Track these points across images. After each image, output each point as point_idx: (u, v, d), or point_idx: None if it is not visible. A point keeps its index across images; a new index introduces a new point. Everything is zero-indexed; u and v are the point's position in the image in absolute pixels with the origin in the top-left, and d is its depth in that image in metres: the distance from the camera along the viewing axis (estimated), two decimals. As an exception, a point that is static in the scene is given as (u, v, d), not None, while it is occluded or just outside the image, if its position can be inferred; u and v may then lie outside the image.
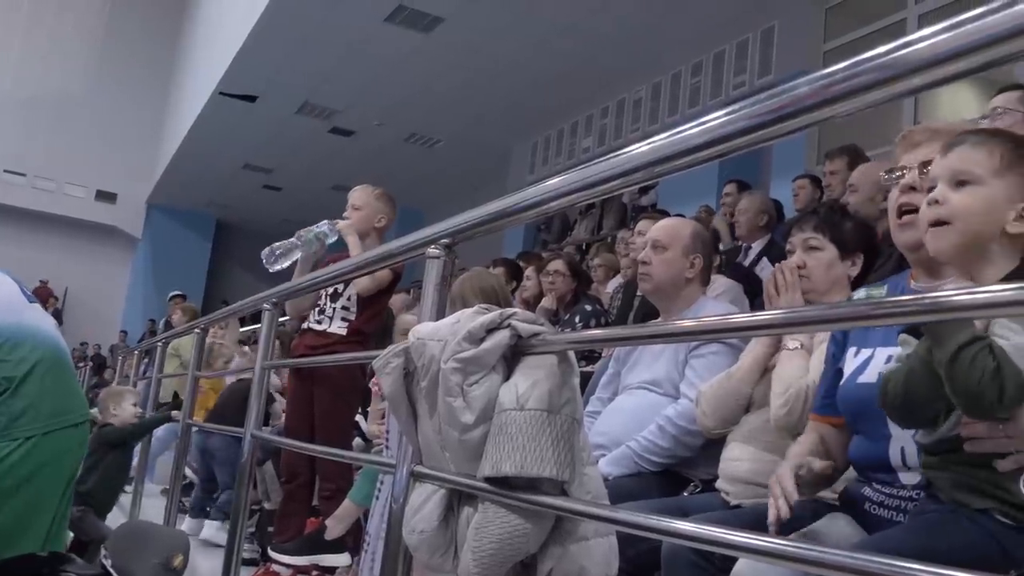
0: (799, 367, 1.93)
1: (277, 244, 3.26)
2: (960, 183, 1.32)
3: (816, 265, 2.09)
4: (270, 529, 3.73)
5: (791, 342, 2.00)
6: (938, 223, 1.32)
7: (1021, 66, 6.40)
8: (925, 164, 1.52)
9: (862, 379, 1.56)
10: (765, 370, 2.13)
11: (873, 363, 1.56)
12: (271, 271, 3.26)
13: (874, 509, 1.51)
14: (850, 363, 1.63)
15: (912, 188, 1.54)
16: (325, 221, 3.36)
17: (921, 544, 1.22)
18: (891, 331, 1.55)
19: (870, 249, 2.16)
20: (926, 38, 0.73)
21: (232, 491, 4.65)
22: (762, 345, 2.16)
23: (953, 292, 0.77)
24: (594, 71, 9.28)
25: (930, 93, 7.12)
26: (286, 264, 3.26)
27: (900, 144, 1.65)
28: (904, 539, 1.28)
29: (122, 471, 4.13)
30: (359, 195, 3.40)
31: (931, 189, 1.37)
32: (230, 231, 18.09)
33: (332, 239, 3.34)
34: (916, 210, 1.50)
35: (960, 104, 7.37)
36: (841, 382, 1.63)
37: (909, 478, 1.47)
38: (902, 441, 1.47)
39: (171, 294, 10.14)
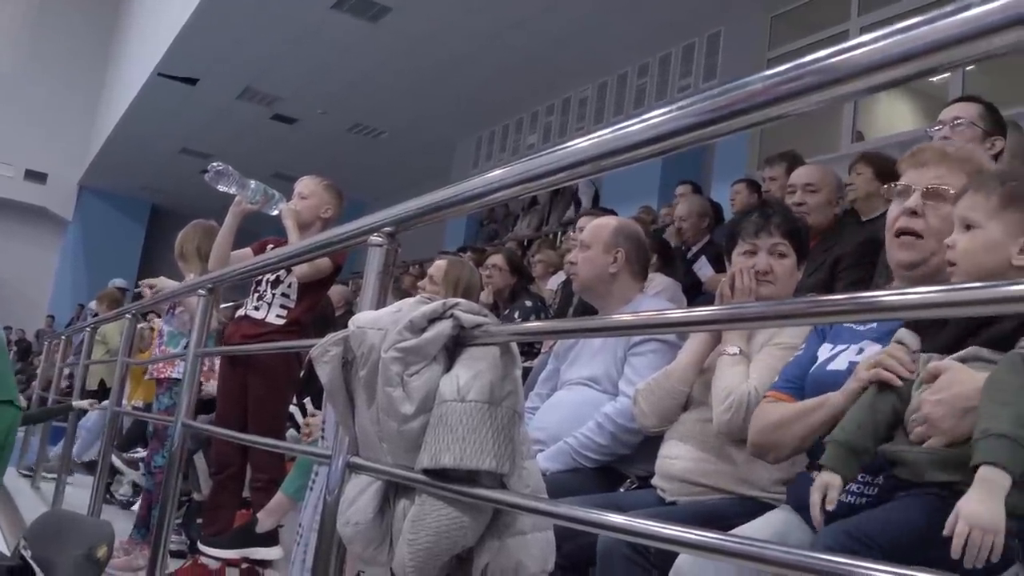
0: (740, 373, 1.94)
1: (233, 170, 3.23)
2: (966, 227, 1.41)
3: (782, 272, 2.11)
4: (199, 521, 3.66)
5: (730, 347, 2.01)
6: (950, 264, 1.43)
7: (955, 82, 6.58)
8: (929, 194, 1.60)
9: (832, 366, 1.66)
10: (703, 370, 2.14)
11: (845, 354, 1.66)
12: (208, 181, 3.22)
13: None
14: (823, 353, 1.71)
15: (914, 212, 1.61)
16: (279, 194, 3.32)
17: (888, 527, 1.29)
18: (866, 333, 1.66)
19: (806, 254, 2.23)
20: (873, 41, 0.73)
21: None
22: (700, 344, 2.17)
23: (885, 293, 0.78)
24: (541, 68, 9.29)
25: (868, 105, 7.29)
26: (220, 188, 3.22)
27: (907, 159, 1.70)
28: (871, 522, 1.33)
29: None
30: (307, 184, 3.35)
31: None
32: (166, 217, 17.66)
33: (272, 211, 3.29)
34: (915, 234, 1.60)
35: (896, 117, 7.56)
36: (812, 368, 1.70)
37: None
38: None
39: (116, 284, 9.82)
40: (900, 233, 1.63)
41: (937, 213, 1.58)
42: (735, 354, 1.99)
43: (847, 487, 1.52)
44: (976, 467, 1.16)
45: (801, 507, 1.62)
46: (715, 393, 1.94)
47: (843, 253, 2.93)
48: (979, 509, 1.12)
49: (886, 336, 1.56)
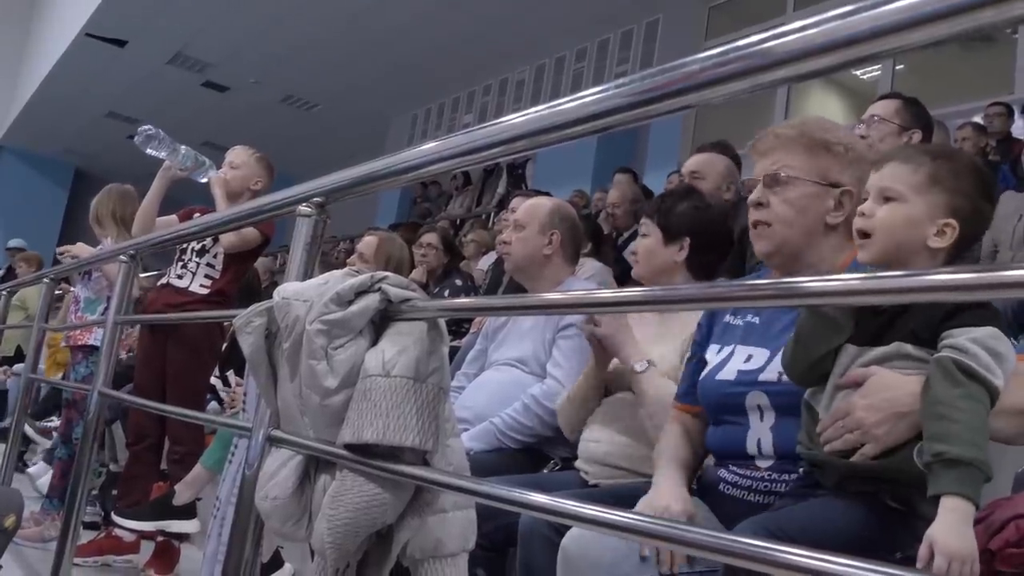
0: (663, 386, 1.90)
1: (164, 134, 3.16)
2: (886, 199, 1.35)
3: (641, 252, 2.16)
4: (114, 492, 3.57)
5: (637, 365, 1.96)
6: (863, 235, 1.37)
7: (884, 80, 6.72)
8: (768, 181, 1.57)
9: (721, 375, 1.62)
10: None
11: (732, 360, 1.62)
12: (138, 145, 3.16)
13: (728, 489, 1.56)
14: (712, 359, 1.68)
15: (760, 204, 1.59)
16: (210, 161, 3.26)
17: (809, 526, 1.25)
18: (751, 331, 1.64)
19: (703, 233, 2.15)
20: (811, 26, 0.73)
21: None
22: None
23: (807, 280, 0.78)
24: (480, 47, 9.24)
25: (799, 98, 7.40)
26: (149, 151, 3.16)
27: (751, 151, 1.68)
28: (791, 520, 1.29)
29: None
30: (238, 154, 3.30)
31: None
32: (90, 181, 17.09)
33: (201, 179, 3.24)
34: (764, 223, 1.59)
35: (827, 111, 7.70)
36: (702, 376, 1.68)
37: (764, 462, 1.54)
38: (759, 433, 1.53)
39: (9, 244, 9.48)
40: (754, 224, 1.62)
41: (780, 198, 1.57)
42: (644, 370, 1.95)
43: (753, 485, 1.53)
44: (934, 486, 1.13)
45: (707, 499, 1.63)
46: (648, 407, 1.93)
47: (746, 224, 2.94)
48: (954, 542, 1.08)
49: (773, 340, 1.55)
